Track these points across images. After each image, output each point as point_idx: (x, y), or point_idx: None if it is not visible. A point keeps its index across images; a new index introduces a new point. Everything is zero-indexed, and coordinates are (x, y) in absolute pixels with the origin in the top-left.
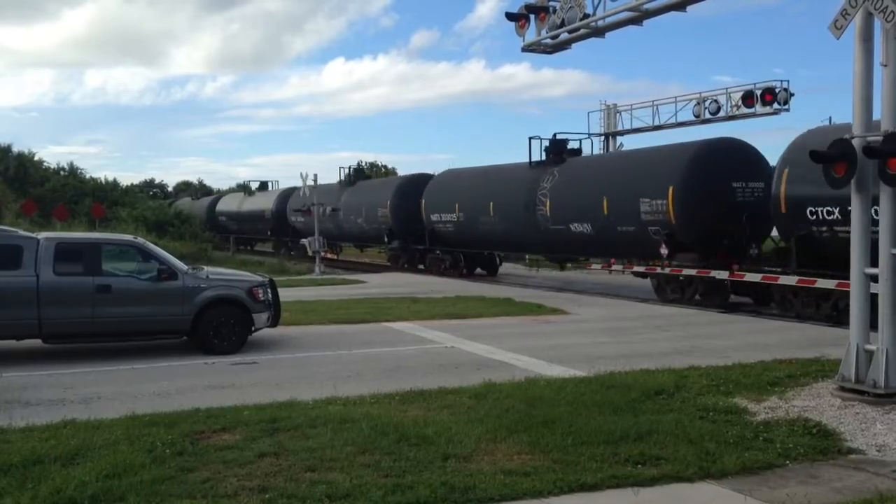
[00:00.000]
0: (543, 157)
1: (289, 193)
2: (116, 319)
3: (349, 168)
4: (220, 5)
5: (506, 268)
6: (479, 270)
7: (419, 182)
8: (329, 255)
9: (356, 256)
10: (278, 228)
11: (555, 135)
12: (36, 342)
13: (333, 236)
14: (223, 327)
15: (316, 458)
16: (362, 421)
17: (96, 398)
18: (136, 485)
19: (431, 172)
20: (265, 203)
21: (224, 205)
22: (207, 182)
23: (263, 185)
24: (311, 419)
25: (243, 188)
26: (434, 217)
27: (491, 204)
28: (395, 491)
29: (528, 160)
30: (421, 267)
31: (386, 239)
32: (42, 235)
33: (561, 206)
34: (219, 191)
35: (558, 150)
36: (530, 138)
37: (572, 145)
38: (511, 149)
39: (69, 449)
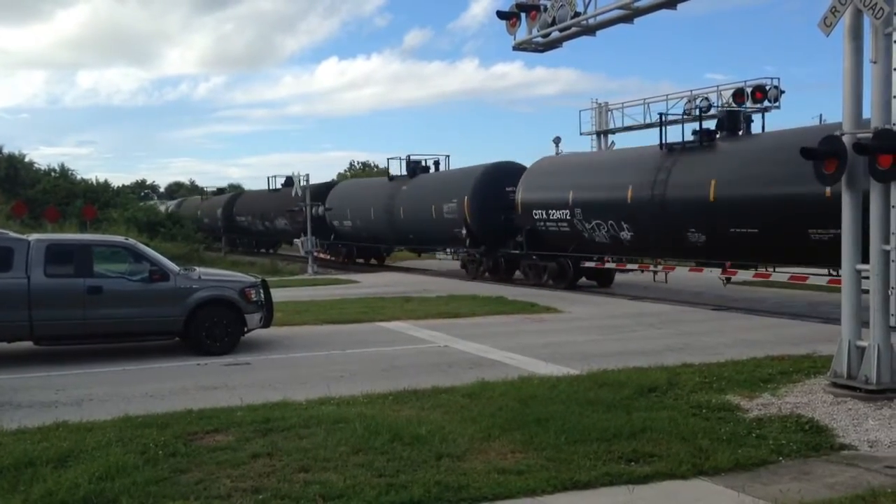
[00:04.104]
0: (405, 173)
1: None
2: (108, 321)
3: (272, 177)
4: (213, 6)
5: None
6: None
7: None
8: (322, 256)
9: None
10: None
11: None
12: (27, 344)
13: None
14: (215, 328)
15: (309, 459)
16: (356, 421)
17: (88, 400)
18: (128, 486)
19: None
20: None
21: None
22: (199, 182)
23: (221, 190)
24: (305, 419)
25: (201, 193)
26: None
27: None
28: (388, 490)
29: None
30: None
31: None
32: (33, 237)
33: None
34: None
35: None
36: (388, 158)
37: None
38: (504, 147)
39: (61, 451)
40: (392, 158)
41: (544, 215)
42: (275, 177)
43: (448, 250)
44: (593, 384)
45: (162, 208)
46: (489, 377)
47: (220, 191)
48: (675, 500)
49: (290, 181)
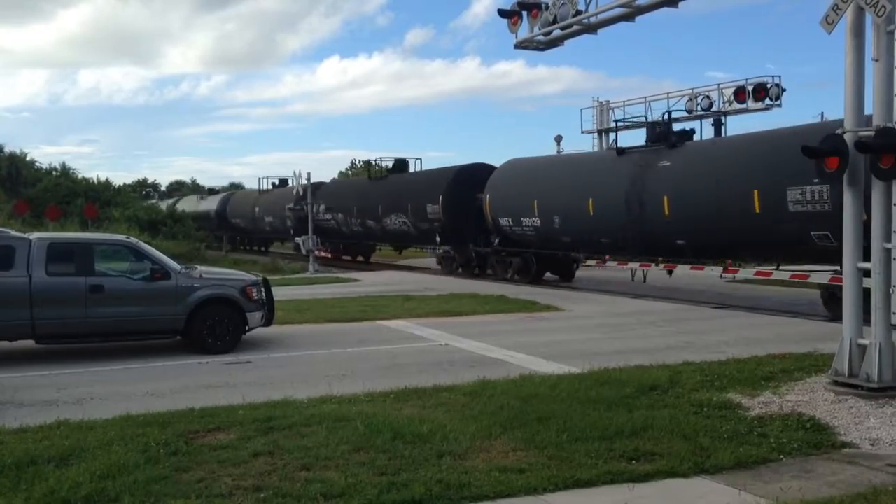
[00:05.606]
0: (646, 143)
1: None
2: (109, 319)
3: (378, 161)
4: (215, 4)
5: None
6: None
7: (476, 174)
8: (323, 254)
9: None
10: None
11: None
12: (29, 343)
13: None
14: (217, 327)
15: (311, 457)
16: (357, 419)
17: (90, 399)
18: (130, 485)
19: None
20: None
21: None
22: (200, 181)
23: (283, 182)
24: (306, 418)
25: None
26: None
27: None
28: (390, 489)
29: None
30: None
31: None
32: (34, 236)
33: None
34: (212, 189)
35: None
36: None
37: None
38: (506, 146)
39: (63, 450)
40: (625, 127)
41: (510, 221)
42: (379, 160)
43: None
44: (594, 382)
45: (202, 206)
46: (490, 376)
47: (283, 182)
48: (677, 498)
49: (401, 164)
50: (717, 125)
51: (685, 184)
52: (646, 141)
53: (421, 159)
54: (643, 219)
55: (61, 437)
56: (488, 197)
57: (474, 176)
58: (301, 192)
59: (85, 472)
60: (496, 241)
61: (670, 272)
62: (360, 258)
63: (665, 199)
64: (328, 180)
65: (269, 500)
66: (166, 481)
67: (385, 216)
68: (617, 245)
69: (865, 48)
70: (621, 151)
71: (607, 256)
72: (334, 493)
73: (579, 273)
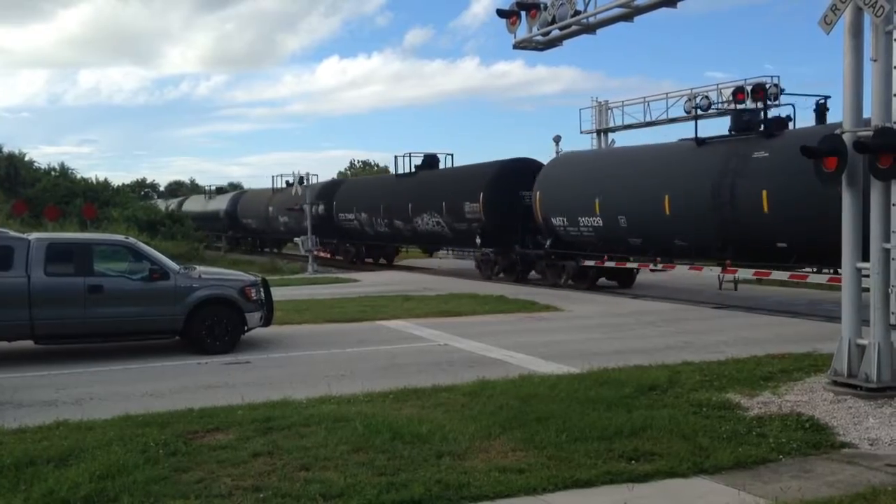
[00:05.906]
0: (730, 132)
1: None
2: (108, 320)
3: (407, 156)
4: (214, 4)
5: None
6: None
7: (521, 169)
8: (322, 254)
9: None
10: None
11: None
12: (28, 343)
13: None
14: (216, 327)
15: (310, 457)
16: (356, 419)
17: (89, 399)
18: (129, 485)
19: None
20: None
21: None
22: (199, 181)
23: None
24: (305, 418)
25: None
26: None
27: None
28: (389, 489)
29: (689, 137)
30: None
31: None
32: (33, 236)
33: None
34: (220, 188)
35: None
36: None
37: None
38: (506, 146)
39: (62, 450)
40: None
41: (565, 221)
42: (408, 155)
43: None
44: (594, 383)
45: (210, 205)
46: (490, 376)
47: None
48: (676, 498)
49: (431, 160)
50: (822, 110)
51: (789, 177)
52: (730, 130)
53: (452, 155)
54: (735, 218)
55: (60, 437)
56: (539, 194)
57: (518, 171)
58: (299, 191)
59: (84, 473)
60: (548, 243)
61: (759, 280)
62: (382, 261)
63: (764, 194)
64: (328, 180)
65: (268, 500)
66: (165, 482)
67: (416, 216)
68: (699, 247)
69: (864, 48)
70: (701, 142)
71: (605, 256)
72: (333, 494)
73: (640, 278)
